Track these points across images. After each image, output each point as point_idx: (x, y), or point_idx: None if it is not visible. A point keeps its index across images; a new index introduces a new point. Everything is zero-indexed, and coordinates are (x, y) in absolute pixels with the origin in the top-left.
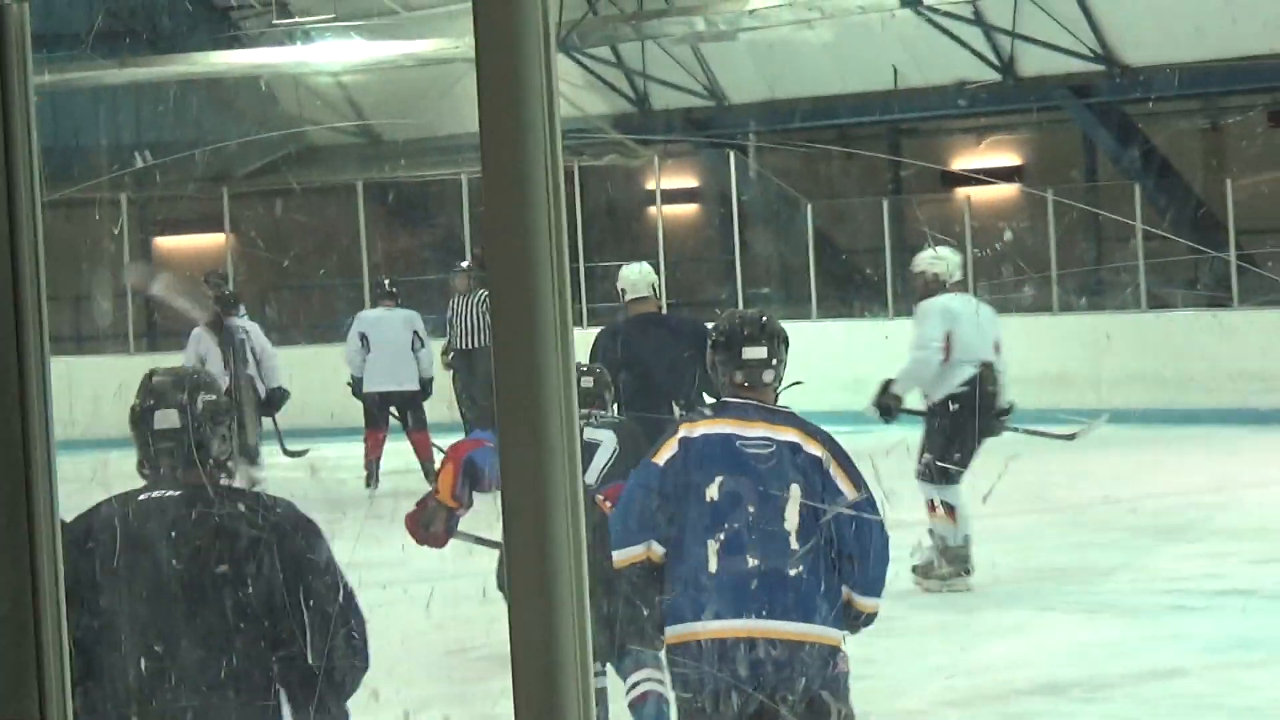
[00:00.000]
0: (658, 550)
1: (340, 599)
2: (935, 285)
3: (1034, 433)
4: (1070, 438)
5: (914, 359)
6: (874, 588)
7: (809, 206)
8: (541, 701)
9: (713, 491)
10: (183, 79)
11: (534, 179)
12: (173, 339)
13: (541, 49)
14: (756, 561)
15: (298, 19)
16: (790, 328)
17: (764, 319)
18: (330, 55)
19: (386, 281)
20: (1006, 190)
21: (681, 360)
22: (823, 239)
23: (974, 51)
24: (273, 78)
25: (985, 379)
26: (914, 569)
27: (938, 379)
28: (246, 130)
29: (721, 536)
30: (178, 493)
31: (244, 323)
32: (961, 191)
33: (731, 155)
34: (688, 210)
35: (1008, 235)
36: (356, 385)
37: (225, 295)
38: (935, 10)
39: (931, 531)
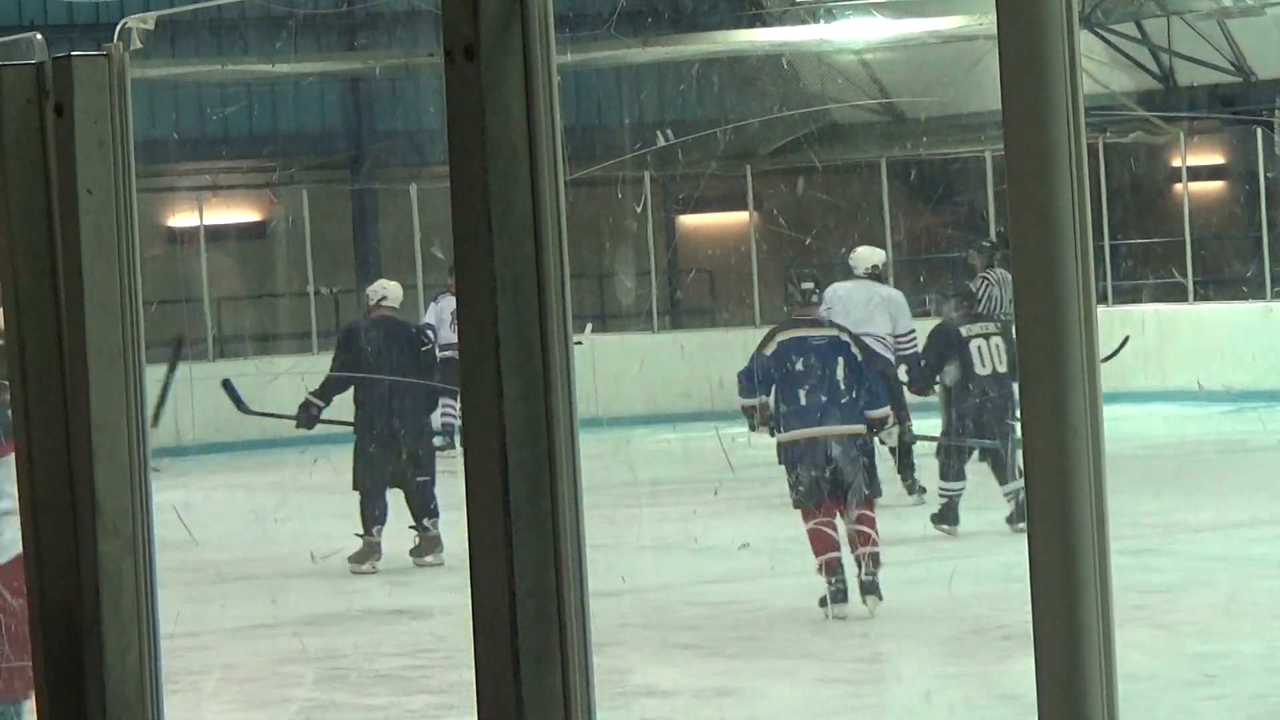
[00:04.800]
0: (766, 400)
1: None
2: None
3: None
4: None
5: None
6: (876, 403)
7: None
8: (1065, 682)
9: (799, 365)
10: (704, 58)
11: (1057, 156)
12: (699, 316)
13: (1064, 25)
14: (825, 398)
15: None
16: None
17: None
18: (853, 33)
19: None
20: None
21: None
22: None
23: None
24: (795, 56)
25: None
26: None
27: None
28: (768, 108)
29: (807, 387)
30: None
31: None
32: None
33: (1259, 132)
34: (1213, 187)
35: None
36: None
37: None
38: None
39: None
